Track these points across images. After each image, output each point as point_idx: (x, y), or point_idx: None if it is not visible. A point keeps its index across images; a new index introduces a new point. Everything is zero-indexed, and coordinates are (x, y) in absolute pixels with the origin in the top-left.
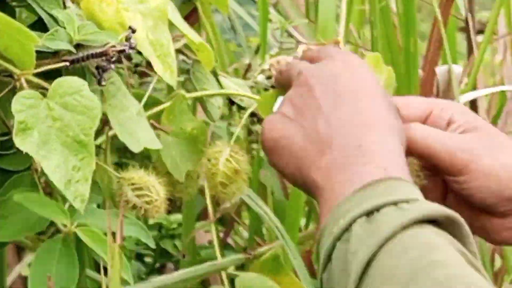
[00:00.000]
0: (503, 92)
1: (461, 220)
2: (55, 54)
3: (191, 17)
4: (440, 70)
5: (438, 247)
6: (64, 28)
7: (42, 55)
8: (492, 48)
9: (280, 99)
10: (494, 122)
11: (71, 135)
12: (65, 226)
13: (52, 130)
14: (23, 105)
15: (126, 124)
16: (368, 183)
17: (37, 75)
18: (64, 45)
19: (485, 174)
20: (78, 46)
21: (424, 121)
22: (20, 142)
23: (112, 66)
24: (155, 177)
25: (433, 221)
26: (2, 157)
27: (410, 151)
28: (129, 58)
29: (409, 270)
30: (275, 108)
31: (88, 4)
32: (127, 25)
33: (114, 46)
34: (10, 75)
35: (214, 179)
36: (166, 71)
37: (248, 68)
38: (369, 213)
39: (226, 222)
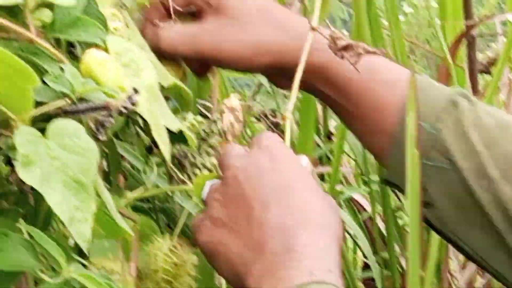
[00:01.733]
0: None
1: None
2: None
3: None
4: None
5: None
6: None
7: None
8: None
9: (207, 185)
10: None
11: (70, 175)
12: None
13: (52, 169)
14: (24, 139)
15: None
16: None
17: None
18: (66, 90)
19: (229, 57)
20: (79, 101)
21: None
22: (24, 176)
23: (112, 120)
24: None
25: None
26: None
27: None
28: None
29: None
30: (203, 195)
31: (88, 67)
32: (125, 89)
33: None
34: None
35: (156, 275)
36: (161, 143)
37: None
38: None
39: None
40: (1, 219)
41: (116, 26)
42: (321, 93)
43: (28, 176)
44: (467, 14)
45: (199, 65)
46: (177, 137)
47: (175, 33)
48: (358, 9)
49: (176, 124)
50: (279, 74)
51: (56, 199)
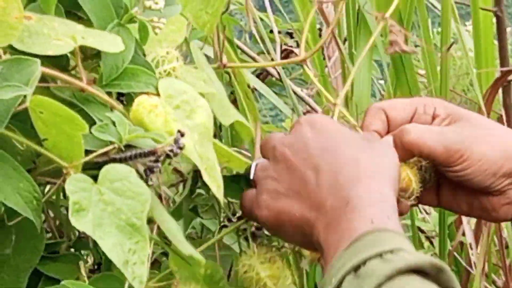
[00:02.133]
0: None
1: (447, 267)
2: (104, 154)
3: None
4: None
5: None
6: (115, 126)
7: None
8: None
9: (253, 165)
10: None
11: (124, 219)
12: None
13: (105, 213)
14: (75, 187)
15: (171, 231)
16: (355, 239)
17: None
18: (113, 139)
19: (479, 159)
20: (127, 148)
21: (410, 120)
22: (76, 222)
23: (159, 165)
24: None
25: (419, 271)
26: (48, 262)
27: (408, 152)
28: None
29: None
30: (251, 175)
31: (137, 114)
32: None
33: (162, 147)
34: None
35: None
36: (213, 184)
37: None
38: (356, 268)
39: None
40: (60, 265)
41: (172, 66)
42: None
43: (79, 222)
44: (502, 60)
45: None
46: None
47: (424, 128)
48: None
49: None
50: (507, 190)
51: (109, 244)
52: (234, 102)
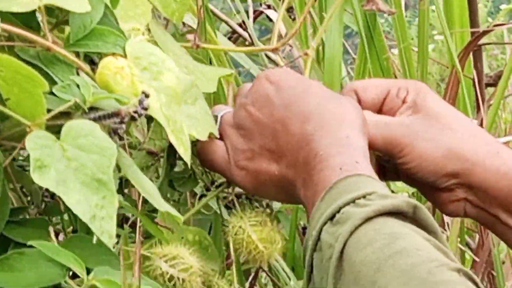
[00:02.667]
0: None
1: (422, 206)
2: (67, 115)
3: None
4: None
5: (401, 236)
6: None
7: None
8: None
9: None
10: None
11: (89, 174)
12: (81, 282)
13: (69, 169)
14: (36, 144)
15: (145, 188)
16: (328, 189)
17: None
18: (76, 99)
19: (420, 156)
20: (91, 110)
21: (383, 101)
22: (38, 179)
23: (124, 126)
24: (186, 249)
25: (396, 213)
26: (15, 227)
27: None
28: None
29: (374, 262)
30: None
31: (103, 76)
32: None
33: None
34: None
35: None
36: (180, 146)
37: None
38: (332, 217)
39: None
40: (28, 230)
41: (140, 39)
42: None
43: (42, 179)
44: (473, 23)
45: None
46: None
47: (369, 118)
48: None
49: (204, 134)
50: (457, 186)
51: (74, 199)
52: None
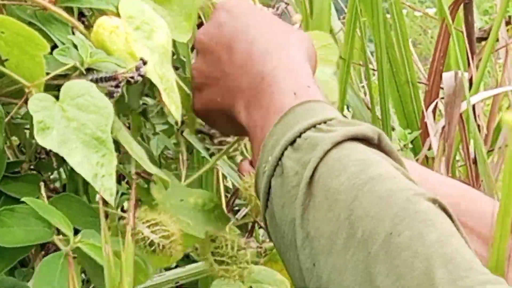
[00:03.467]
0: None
1: (385, 134)
2: (65, 77)
3: None
4: (446, 76)
5: (374, 163)
6: (77, 49)
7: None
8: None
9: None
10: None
11: (89, 133)
12: (67, 242)
13: (69, 130)
14: (38, 106)
15: (135, 150)
16: (284, 114)
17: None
18: (75, 62)
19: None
20: (88, 71)
21: None
22: (42, 140)
23: (119, 90)
24: (168, 216)
25: (361, 139)
26: (8, 181)
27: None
28: None
29: (350, 188)
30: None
31: (98, 35)
32: (136, 56)
33: (124, 73)
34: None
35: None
36: (172, 104)
37: None
38: (292, 142)
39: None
40: (21, 184)
41: None
42: None
43: (45, 140)
44: None
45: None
46: None
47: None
48: None
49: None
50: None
51: (77, 159)
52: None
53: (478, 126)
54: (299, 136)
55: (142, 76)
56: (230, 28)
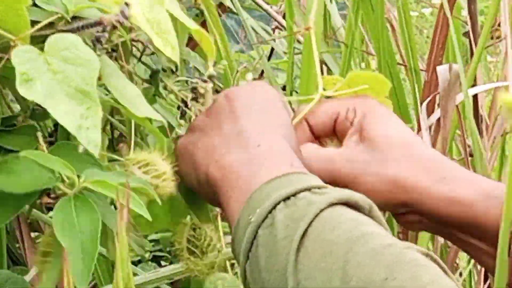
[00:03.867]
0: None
1: (373, 203)
2: (50, 26)
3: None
4: (440, 69)
5: (367, 223)
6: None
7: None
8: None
9: None
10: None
11: (73, 86)
12: (71, 186)
13: (54, 82)
14: (22, 58)
15: (126, 95)
16: (277, 176)
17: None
18: (59, 10)
19: (367, 190)
20: (73, 19)
21: (334, 124)
22: (25, 92)
23: (106, 35)
24: (159, 155)
25: (353, 206)
26: (5, 135)
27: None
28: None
29: (345, 241)
30: None
31: None
32: (120, 3)
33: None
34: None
35: None
36: (166, 46)
37: (261, 75)
38: (285, 199)
39: None
40: (17, 136)
41: None
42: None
43: (29, 92)
44: None
45: None
46: None
47: (313, 153)
48: None
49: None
50: (410, 212)
51: (61, 112)
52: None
53: (481, 117)
54: (294, 195)
55: (127, 18)
56: (223, 112)
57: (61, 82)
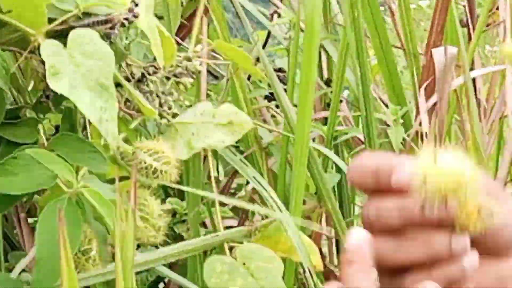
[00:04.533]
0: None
1: None
2: (62, 23)
3: (195, 15)
4: (436, 51)
5: None
6: None
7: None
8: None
9: None
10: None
11: (94, 79)
12: (70, 187)
13: (78, 75)
14: (49, 51)
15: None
16: None
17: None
18: (71, 7)
19: None
20: (84, 16)
21: None
22: (54, 85)
23: (116, 31)
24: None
25: None
26: (8, 127)
27: None
28: None
29: None
30: None
31: None
32: (126, 3)
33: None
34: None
35: None
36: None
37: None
38: None
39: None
40: (19, 128)
41: None
42: None
43: (57, 85)
44: None
45: None
46: None
47: None
48: None
49: None
50: None
51: (85, 104)
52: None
53: (479, 101)
54: None
55: (136, 17)
56: None
57: (83, 75)
